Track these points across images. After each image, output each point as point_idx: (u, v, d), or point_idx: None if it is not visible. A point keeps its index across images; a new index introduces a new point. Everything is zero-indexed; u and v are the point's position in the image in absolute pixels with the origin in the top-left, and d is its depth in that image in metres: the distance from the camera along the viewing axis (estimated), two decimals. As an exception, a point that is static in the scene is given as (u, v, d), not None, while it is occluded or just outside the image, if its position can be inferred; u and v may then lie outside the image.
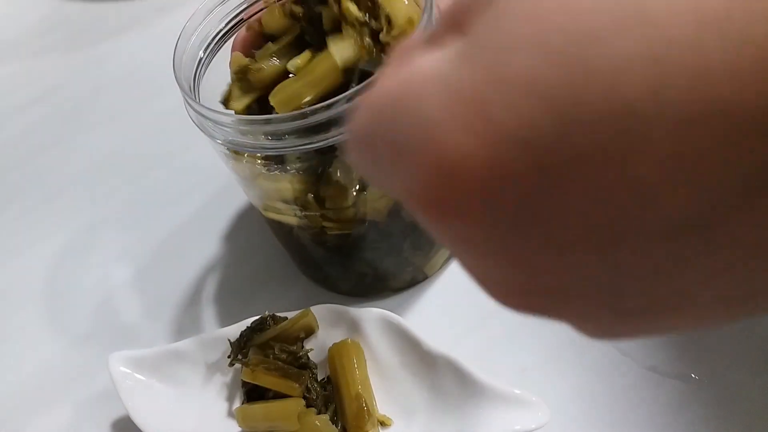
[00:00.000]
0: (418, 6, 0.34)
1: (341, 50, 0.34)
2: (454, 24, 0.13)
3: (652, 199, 0.11)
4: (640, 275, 0.12)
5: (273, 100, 0.34)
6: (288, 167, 0.34)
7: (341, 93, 0.31)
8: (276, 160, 0.34)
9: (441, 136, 0.12)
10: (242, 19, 0.38)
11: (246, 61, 0.37)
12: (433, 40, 0.14)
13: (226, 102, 0.37)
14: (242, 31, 0.38)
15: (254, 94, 0.36)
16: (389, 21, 0.33)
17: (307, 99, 0.34)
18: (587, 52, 0.10)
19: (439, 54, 0.13)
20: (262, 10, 0.38)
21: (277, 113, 0.34)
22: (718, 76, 0.10)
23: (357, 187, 0.36)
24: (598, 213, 0.11)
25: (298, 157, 0.34)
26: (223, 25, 0.38)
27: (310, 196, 0.36)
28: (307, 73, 0.35)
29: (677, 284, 0.12)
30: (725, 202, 0.11)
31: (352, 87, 0.32)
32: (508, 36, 0.11)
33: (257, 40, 0.37)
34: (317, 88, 0.34)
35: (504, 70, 0.11)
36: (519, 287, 0.14)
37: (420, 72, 0.13)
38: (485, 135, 0.11)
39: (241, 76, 0.36)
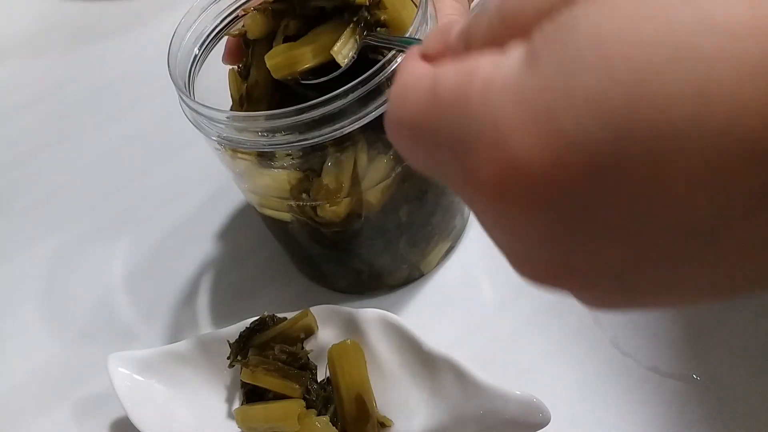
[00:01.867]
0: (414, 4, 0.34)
1: (342, 46, 0.34)
2: (516, 26, 0.16)
3: (678, 203, 0.13)
4: (653, 261, 0.15)
5: (269, 62, 0.35)
6: (283, 163, 0.34)
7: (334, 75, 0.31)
8: (271, 157, 0.34)
9: (511, 137, 0.14)
10: (237, 16, 0.38)
11: (242, 83, 0.37)
12: (492, 37, 0.16)
13: None
14: (231, 39, 0.38)
15: (264, 103, 0.37)
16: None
17: (305, 67, 0.34)
18: (645, 81, 0.13)
19: (505, 59, 0.15)
20: (255, 8, 0.38)
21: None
22: (751, 113, 0.12)
23: (350, 183, 0.35)
24: (634, 211, 0.14)
25: (292, 154, 0.34)
26: (218, 22, 0.38)
27: (304, 195, 0.36)
28: (306, 42, 0.35)
29: (682, 271, 0.15)
30: (732, 211, 0.13)
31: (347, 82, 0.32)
32: (576, 56, 0.14)
33: (247, 43, 0.37)
34: (315, 58, 0.34)
35: (572, 88, 0.14)
36: (547, 264, 0.16)
37: (486, 73, 0.15)
38: (551, 140, 0.14)
39: (243, 98, 0.36)
